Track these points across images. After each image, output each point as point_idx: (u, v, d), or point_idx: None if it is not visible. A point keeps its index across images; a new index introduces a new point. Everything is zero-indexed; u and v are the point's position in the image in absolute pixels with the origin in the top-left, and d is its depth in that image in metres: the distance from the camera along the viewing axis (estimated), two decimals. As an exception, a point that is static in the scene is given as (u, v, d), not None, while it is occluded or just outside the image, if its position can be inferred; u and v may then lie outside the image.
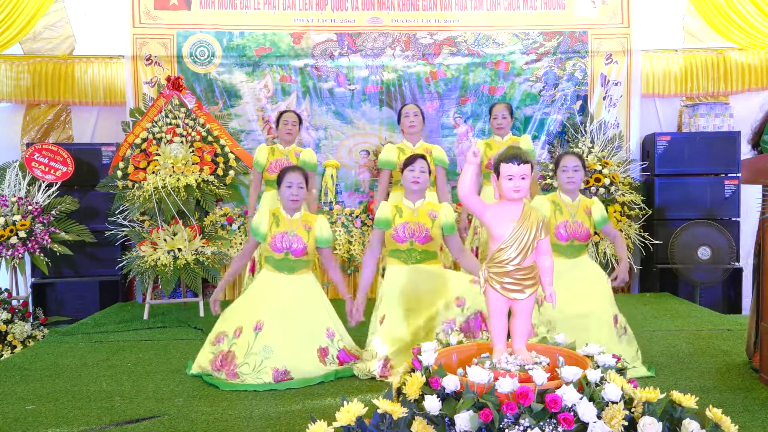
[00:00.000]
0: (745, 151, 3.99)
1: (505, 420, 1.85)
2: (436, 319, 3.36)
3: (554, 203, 3.49)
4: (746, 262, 5.84)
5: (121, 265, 5.24)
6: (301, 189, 3.51)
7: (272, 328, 3.35)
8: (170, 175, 5.05)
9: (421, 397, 1.99)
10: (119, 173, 5.19)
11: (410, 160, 3.51)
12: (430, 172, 3.56)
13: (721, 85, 6.31)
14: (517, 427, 1.83)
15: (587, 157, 5.90)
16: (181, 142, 5.24)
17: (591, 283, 3.45)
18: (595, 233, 5.67)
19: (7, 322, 4.61)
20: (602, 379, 1.98)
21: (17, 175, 5.27)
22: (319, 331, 3.45)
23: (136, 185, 5.16)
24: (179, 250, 5.03)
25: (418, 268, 3.47)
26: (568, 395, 1.87)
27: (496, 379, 1.94)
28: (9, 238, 4.99)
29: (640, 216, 5.87)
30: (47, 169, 5.29)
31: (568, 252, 3.47)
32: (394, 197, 4.30)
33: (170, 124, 5.29)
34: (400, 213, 3.47)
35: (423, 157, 3.54)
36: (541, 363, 2.16)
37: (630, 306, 5.29)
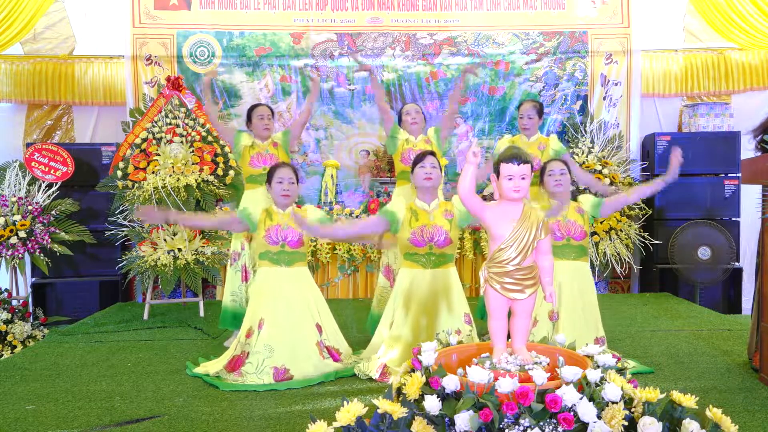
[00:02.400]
0: (746, 148, 3.95)
1: (505, 420, 1.84)
2: (442, 328, 3.34)
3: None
4: (746, 262, 5.84)
5: (121, 265, 5.24)
6: (292, 184, 3.50)
7: (273, 325, 3.36)
8: (170, 175, 5.05)
9: (421, 397, 1.98)
10: (119, 173, 5.20)
11: (420, 158, 3.46)
12: (441, 169, 3.51)
13: (722, 85, 6.31)
14: (517, 427, 1.83)
15: (587, 157, 5.90)
16: (181, 142, 5.24)
17: (580, 302, 3.46)
18: (595, 233, 5.68)
19: (7, 322, 4.61)
20: (602, 379, 1.98)
21: (17, 175, 5.27)
22: (313, 326, 3.47)
23: (136, 185, 5.16)
24: (179, 250, 5.03)
25: (435, 273, 3.42)
26: (568, 395, 1.87)
27: (496, 379, 1.94)
28: (9, 238, 4.99)
29: (640, 216, 5.87)
30: (47, 169, 5.29)
31: (566, 252, 3.47)
32: (400, 192, 4.25)
33: (170, 124, 5.30)
34: (416, 216, 3.41)
35: (432, 153, 3.50)
36: (541, 363, 2.16)
37: (630, 306, 5.29)
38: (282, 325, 3.37)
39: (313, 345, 3.40)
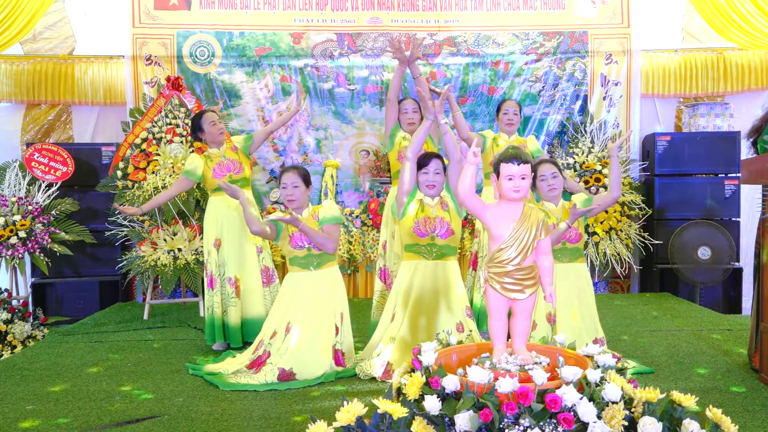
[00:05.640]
0: (746, 150, 3.98)
1: (505, 420, 1.84)
2: (446, 324, 3.34)
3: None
4: (746, 262, 5.84)
5: (121, 265, 5.24)
6: (296, 188, 3.48)
7: (295, 331, 3.38)
8: (170, 175, 5.05)
9: (421, 397, 1.98)
10: (119, 173, 5.20)
11: (424, 161, 3.41)
12: (445, 170, 3.46)
13: (721, 85, 6.31)
14: (517, 427, 1.83)
15: (587, 157, 5.90)
16: (181, 142, 5.24)
17: (578, 303, 3.45)
18: (595, 233, 5.68)
19: (7, 322, 4.61)
20: (602, 379, 1.98)
21: (17, 175, 5.28)
22: (332, 328, 3.47)
23: (136, 185, 5.16)
24: (179, 250, 5.03)
25: (436, 264, 3.42)
26: (568, 395, 1.87)
27: (496, 379, 1.94)
28: (9, 238, 4.99)
29: (640, 216, 5.87)
30: (47, 169, 5.29)
31: (562, 255, 3.46)
32: (396, 191, 4.23)
33: (170, 124, 5.29)
34: (422, 208, 3.43)
35: (438, 156, 3.45)
36: (541, 363, 2.16)
37: (630, 306, 5.29)
38: (303, 332, 3.38)
39: (328, 348, 3.42)
